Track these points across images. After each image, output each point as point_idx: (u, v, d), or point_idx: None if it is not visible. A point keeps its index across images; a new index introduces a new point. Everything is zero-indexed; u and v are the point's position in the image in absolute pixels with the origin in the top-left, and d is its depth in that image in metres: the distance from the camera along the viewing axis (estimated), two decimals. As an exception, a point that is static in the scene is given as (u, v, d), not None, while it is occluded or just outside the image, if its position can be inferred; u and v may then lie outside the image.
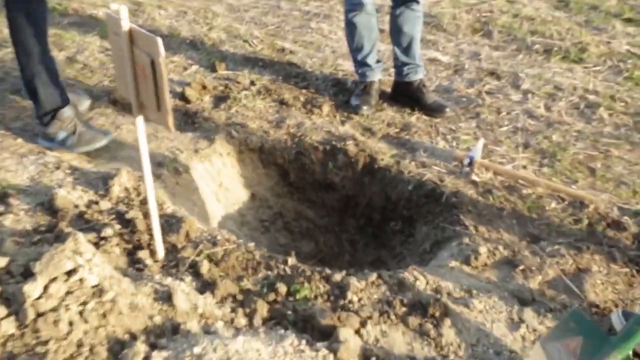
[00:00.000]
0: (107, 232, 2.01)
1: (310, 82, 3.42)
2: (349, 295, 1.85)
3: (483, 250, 2.14)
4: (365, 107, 3.09)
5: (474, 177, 2.58)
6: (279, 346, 1.57)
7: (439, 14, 4.39)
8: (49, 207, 2.16)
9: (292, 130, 2.94)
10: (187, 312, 1.68)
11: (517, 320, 1.84)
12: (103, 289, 1.55)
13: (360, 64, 3.16)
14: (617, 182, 2.58)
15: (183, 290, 1.75)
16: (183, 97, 3.14)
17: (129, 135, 2.80)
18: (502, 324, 1.83)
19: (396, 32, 3.10)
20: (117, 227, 2.08)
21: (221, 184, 2.81)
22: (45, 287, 1.50)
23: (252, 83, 3.36)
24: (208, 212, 2.63)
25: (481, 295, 1.93)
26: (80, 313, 1.49)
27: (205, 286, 1.86)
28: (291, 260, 2.01)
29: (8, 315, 1.48)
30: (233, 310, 1.76)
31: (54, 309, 1.48)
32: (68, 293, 1.51)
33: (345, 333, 1.63)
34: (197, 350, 1.49)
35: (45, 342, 1.43)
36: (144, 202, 2.22)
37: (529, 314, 1.87)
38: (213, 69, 3.50)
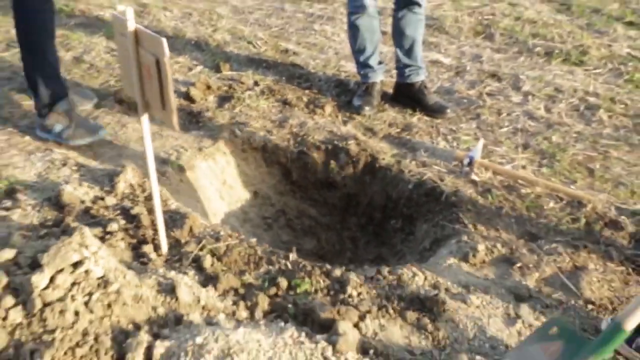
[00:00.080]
0: (113, 227, 2.05)
1: (313, 82, 3.46)
2: (349, 289, 1.88)
3: (481, 247, 2.17)
4: (367, 108, 3.13)
5: (474, 177, 2.61)
6: (279, 337, 1.60)
7: (441, 16, 4.43)
8: (56, 202, 2.20)
9: (295, 129, 2.98)
10: (189, 304, 1.72)
11: (513, 316, 1.87)
12: (108, 281, 1.58)
13: (363, 66, 3.20)
14: (615, 183, 2.60)
15: (186, 283, 1.78)
16: (188, 97, 3.18)
17: (134, 133, 2.85)
18: (499, 319, 1.86)
19: (398, 35, 3.13)
20: (122, 222, 2.12)
21: (224, 181, 2.85)
22: (52, 278, 1.53)
23: (256, 83, 3.40)
24: (211, 209, 2.67)
25: (478, 291, 1.96)
26: (86, 303, 1.53)
27: (208, 280, 1.89)
28: (292, 256, 2.05)
29: (16, 305, 1.51)
30: (235, 303, 1.80)
31: (61, 299, 1.51)
32: (74, 284, 1.54)
33: (344, 326, 1.66)
34: (199, 340, 1.53)
35: (52, 331, 1.47)
36: (148, 199, 2.26)
37: (525, 309, 1.89)
38: (217, 70, 3.55)
